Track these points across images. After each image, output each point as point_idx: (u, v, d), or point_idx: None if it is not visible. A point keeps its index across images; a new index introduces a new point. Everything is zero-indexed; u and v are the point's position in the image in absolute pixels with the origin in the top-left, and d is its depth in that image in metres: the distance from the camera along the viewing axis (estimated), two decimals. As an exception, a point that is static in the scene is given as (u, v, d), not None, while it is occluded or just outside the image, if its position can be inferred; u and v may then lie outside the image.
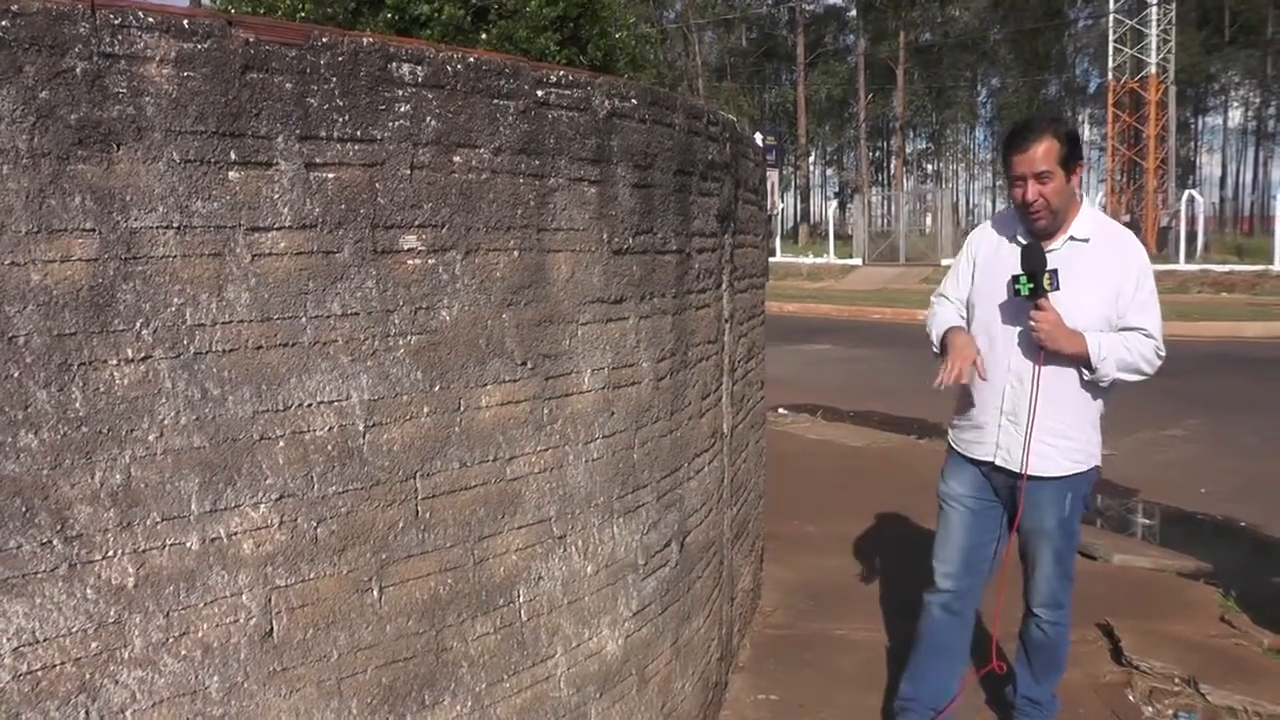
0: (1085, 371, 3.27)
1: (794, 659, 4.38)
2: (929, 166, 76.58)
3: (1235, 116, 67.96)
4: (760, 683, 4.14)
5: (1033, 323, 3.21)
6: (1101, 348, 3.22)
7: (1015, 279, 3.23)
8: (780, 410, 10.35)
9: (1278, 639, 4.65)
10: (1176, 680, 4.14)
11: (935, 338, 3.52)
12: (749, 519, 4.43)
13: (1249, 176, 69.03)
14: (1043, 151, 3.18)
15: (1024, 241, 3.30)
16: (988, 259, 3.48)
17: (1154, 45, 36.94)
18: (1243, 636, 4.65)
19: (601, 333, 2.58)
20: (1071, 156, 3.23)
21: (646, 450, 2.81)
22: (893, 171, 65.69)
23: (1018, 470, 3.36)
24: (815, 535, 6.12)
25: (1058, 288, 3.18)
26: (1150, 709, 3.98)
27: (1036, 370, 3.28)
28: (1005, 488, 3.45)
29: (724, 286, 3.60)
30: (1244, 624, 4.79)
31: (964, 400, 3.55)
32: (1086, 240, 3.31)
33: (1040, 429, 3.32)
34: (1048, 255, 3.24)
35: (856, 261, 35.81)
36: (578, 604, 2.57)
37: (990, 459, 3.44)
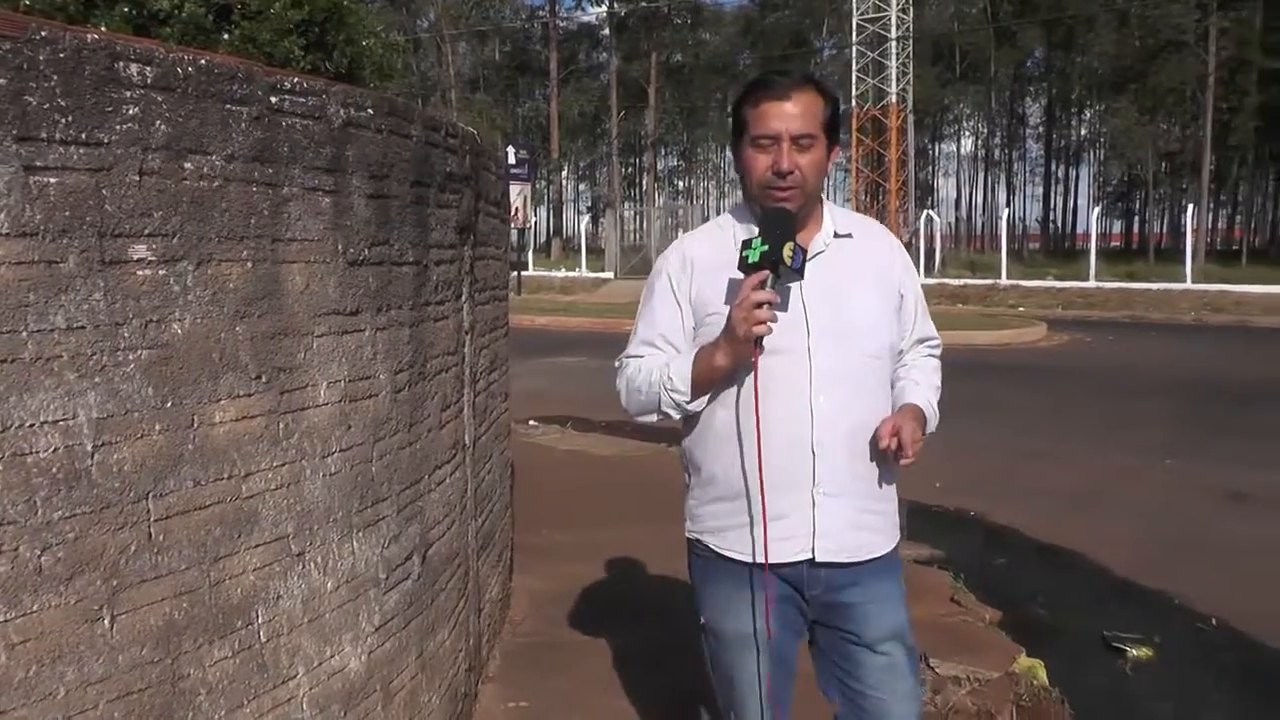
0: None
1: (544, 666, 4.44)
2: (680, 183, 78.95)
3: (967, 144, 73.63)
4: (510, 691, 4.18)
5: (897, 446, 2.25)
6: (932, 409, 2.47)
7: (745, 244, 2.20)
8: (531, 422, 10.42)
9: (997, 614, 5.27)
10: (911, 657, 4.55)
11: (677, 379, 2.40)
12: (495, 530, 4.46)
13: (980, 199, 75.07)
14: (806, 105, 2.24)
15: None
16: (713, 279, 2.38)
17: (894, 77, 39.87)
18: (968, 614, 5.21)
19: (337, 345, 2.55)
20: (834, 126, 2.32)
21: (385, 463, 2.80)
22: (645, 187, 67.27)
23: (850, 559, 2.34)
24: (565, 544, 6.21)
25: (802, 274, 2.22)
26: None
27: (843, 415, 2.31)
28: (823, 590, 2.38)
29: (464, 298, 3.61)
30: (970, 603, 5.38)
31: (731, 480, 2.40)
32: (850, 236, 2.42)
33: (862, 494, 2.36)
34: (811, 259, 2.28)
35: (609, 275, 36.44)
36: (318, 622, 2.53)
37: (807, 556, 2.32)
